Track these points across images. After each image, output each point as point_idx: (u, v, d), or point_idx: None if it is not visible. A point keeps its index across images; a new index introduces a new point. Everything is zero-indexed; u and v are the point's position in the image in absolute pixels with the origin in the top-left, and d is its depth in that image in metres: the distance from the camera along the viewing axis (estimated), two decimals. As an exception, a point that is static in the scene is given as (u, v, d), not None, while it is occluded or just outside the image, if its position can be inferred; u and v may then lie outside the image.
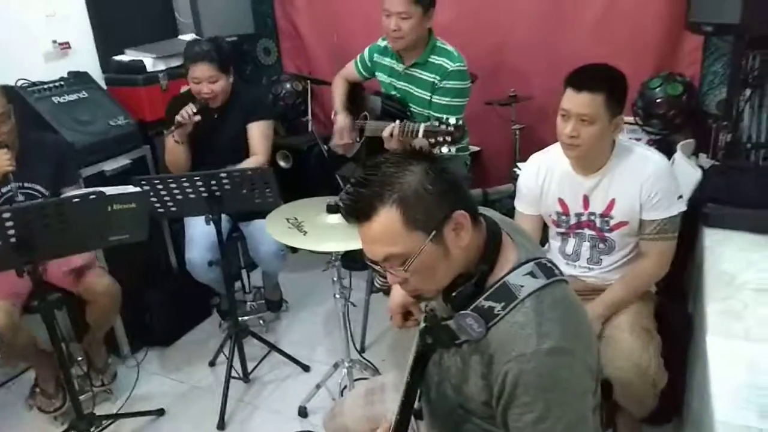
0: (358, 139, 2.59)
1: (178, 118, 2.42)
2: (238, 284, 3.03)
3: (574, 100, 1.65)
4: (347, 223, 1.11)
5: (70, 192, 2.28)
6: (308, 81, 3.37)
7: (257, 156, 2.61)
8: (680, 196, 1.77)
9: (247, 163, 2.58)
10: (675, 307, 2.08)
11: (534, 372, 1.01)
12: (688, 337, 2.00)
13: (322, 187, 3.19)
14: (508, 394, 1.04)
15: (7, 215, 1.75)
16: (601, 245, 1.85)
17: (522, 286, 1.07)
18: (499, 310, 1.06)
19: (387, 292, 2.96)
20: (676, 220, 1.76)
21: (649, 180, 1.72)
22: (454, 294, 1.11)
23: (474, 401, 1.14)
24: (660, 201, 1.72)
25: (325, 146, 3.21)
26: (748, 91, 2.46)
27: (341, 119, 2.58)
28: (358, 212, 1.07)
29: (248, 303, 3.01)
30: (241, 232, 2.72)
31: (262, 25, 3.65)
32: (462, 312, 1.09)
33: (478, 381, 1.10)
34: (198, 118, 2.44)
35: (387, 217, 1.04)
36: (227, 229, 2.60)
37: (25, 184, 2.23)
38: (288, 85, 3.45)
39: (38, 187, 2.28)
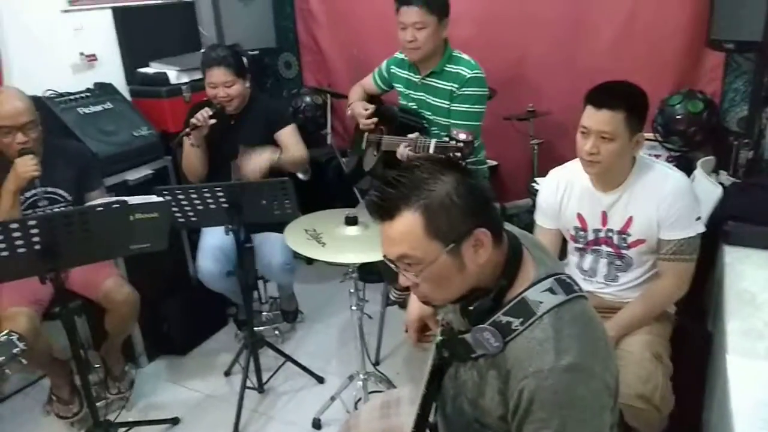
0: (375, 153, 2.61)
1: (192, 120, 2.47)
2: (254, 294, 3.05)
3: (595, 118, 1.66)
4: (371, 218, 1.12)
5: (94, 197, 2.34)
6: (328, 95, 3.40)
7: (298, 153, 2.66)
8: (699, 218, 1.75)
9: (293, 154, 2.63)
10: (694, 326, 2.06)
11: (551, 388, 1.01)
12: (707, 355, 1.97)
13: (339, 200, 3.21)
14: (524, 409, 1.03)
15: (32, 222, 1.79)
16: (618, 262, 1.84)
17: (541, 302, 1.07)
18: (517, 326, 1.07)
19: (402, 305, 2.96)
20: (695, 241, 1.74)
21: (668, 199, 1.70)
22: (471, 308, 1.11)
23: (490, 416, 1.13)
24: (677, 221, 1.70)
25: (344, 159, 3.23)
26: (769, 109, 2.44)
27: (359, 104, 2.64)
28: (382, 210, 1.08)
29: (264, 313, 3.02)
30: (252, 244, 2.75)
31: (284, 39, 3.70)
32: (479, 326, 1.09)
33: (495, 396, 1.10)
34: (213, 121, 2.48)
35: (409, 221, 1.05)
36: (242, 239, 2.62)
37: (49, 189, 2.28)
38: (308, 99, 3.49)
39: (61, 192, 2.33)
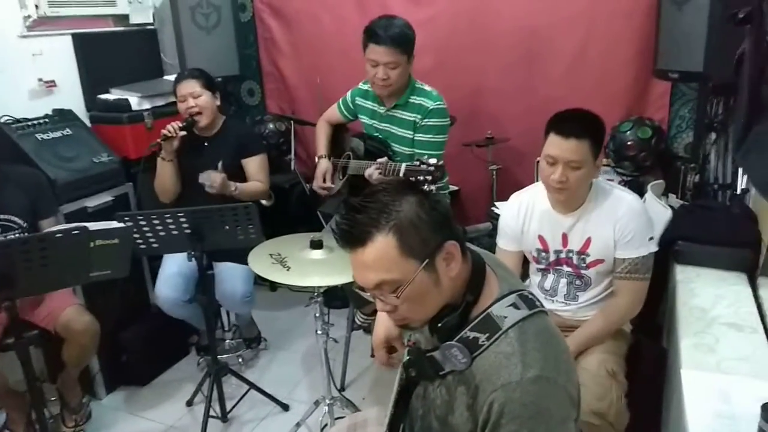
0: (341, 177, 2.64)
1: (163, 131, 2.49)
2: (216, 322, 3.01)
3: (562, 147, 1.71)
4: (340, 247, 1.12)
5: (47, 224, 2.29)
6: (292, 121, 3.43)
7: (260, 183, 2.72)
8: (651, 238, 1.82)
9: (251, 185, 2.68)
10: (650, 343, 2.13)
11: (519, 401, 1.03)
12: (663, 371, 2.04)
13: (303, 225, 3.21)
14: (493, 422, 1.06)
15: (-12, 250, 1.75)
16: (578, 282, 1.90)
17: (505, 317, 1.10)
18: (483, 341, 1.09)
19: (368, 330, 2.97)
20: (648, 260, 1.81)
21: (622, 220, 1.78)
22: (440, 325, 1.14)
23: (459, 432, 1.15)
24: (632, 240, 1.78)
25: (308, 185, 3.25)
26: (713, 135, 2.58)
27: (324, 163, 2.64)
28: (353, 238, 1.08)
29: (227, 341, 2.98)
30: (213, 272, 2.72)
31: (247, 67, 3.73)
32: (448, 343, 1.12)
33: (464, 412, 1.12)
34: (183, 133, 2.51)
35: (383, 244, 1.06)
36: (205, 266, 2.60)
37: (1, 216, 2.23)
38: (271, 125, 3.51)
39: (14, 218, 2.28)
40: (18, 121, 2.66)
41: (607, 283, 1.89)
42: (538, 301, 1.18)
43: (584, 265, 1.87)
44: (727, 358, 1.57)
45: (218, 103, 2.67)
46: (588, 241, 1.84)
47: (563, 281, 1.93)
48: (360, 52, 2.39)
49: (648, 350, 2.05)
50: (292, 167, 3.41)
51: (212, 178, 2.50)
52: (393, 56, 2.29)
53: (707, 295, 1.89)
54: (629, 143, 2.61)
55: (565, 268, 1.91)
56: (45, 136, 2.67)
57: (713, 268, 2.03)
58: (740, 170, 2.43)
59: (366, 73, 2.42)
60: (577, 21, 2.82)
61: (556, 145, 1.73)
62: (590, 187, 1.84)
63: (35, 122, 2.70)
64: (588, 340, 1.82)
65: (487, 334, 1.10)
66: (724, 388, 1.45)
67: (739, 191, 2.41)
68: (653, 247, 1.82)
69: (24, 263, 1.80)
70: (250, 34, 3.72)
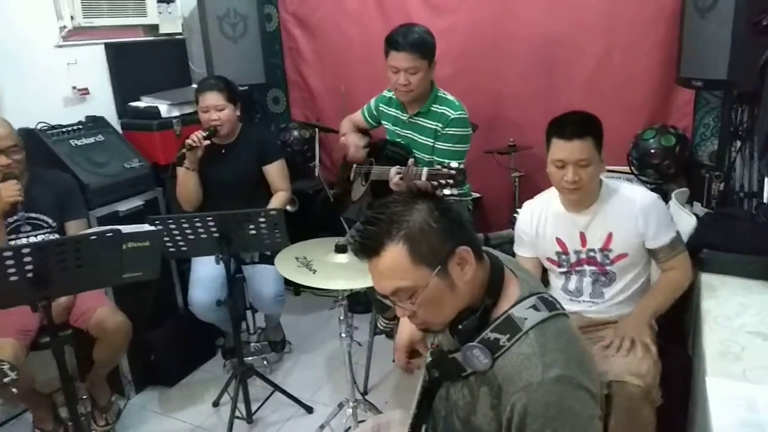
0: (363, 183, 2.68)
1: (187, 141, 2.55)
2: (242, 325, 3.06)
3: (568, 149, 1.78)
4: (358, 259, 1.18)
5: (73, 226, 2.37)
6: (316, 129, 3.48)
7: (283, 192, 2.82)
8: (671, 217, 1.92)
9: (276, 199, 2.78)
10: (675, 350, 2.12)
11: (542, 401, 1.05)
12: (688, 380, 2.03)
13: (326, 230, 3.25)
14: (517, 424, 1.08)
15: (26, 251, 1.79)
16: (603, 278, 1.94)
17: (525, 319, 1.13)
18: (504, 342, 1.12)
19: (390, 335, 2.98)
20: (679, 236, 1.91)
21: (642, 214, 1.84)
22: (460, 327, 1.16)
23: (482, 432, 1.18)
24: (659, 228, 1.85)
25: (331, 191, 3.29)
26: (738, 143, 2.56)
27: (351, 135, 2.70)
28: (367, 249, 1.14)
29: (252, 344, 3.03)
30: (243, 275, 2.78)
31: (272, 75, 3.79)
32: (469, 344, 1.14)
33: (488, 412, 1.14)
34: (207, 142, 2.57)
35: (394, 253, 1.11)
36: (232, 270, 2.65)
37: (32, 215, 2.32)
38: (296, 133, 3.58)
39: (44, 217, 2.36)
40: (53, 127, 2.75)
41: (632, 277, 1.93)
42: (559, 303, 1.20)
43: (608, 261, 1.91)
44: (754, 367, 1.56)
45: (239, 113, 2.72)
46: (609, 236, 1.88)
47: (587, 280, 1.96)
48: (383, 60, 2.44)
49: (673, 357, 2.04)
50: (316, 173, 3.45)
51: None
52: (412, 62, 2.33)
53: (732, 304, 1.88)
54: (653, 151, 2.60)
55: (588, 268, 1.94)
56: (79, 142, 2.76)
57: (738, 277, 2.02)
58: (766, 178, 2.41)
59: (389, 81, 2.46)
60: (600, 28, 2.83)
61: (561, 149, 1.80)
62: (600, 183, 1.89)
63: (69, 128, 2.79)
64: (656, 311, 1.87)
65: (508, 335, 1.12)
66: (750, 396, 1.44)
67: (765, 199, 2.39)
68: (676, 226, 1.91)
69: (59, 264, 1.86)
70: (275, 44, 3.79)
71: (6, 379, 1.54)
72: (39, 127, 2.71)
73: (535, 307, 1.15)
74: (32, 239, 2.32)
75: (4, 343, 2.13)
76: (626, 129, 2.72)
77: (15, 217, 2.27)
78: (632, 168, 2.67)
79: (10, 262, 1.78)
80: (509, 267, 1.24)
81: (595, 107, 2.81)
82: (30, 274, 1.82)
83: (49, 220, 2.37)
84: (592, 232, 1.91)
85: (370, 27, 3.34)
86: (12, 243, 2.24)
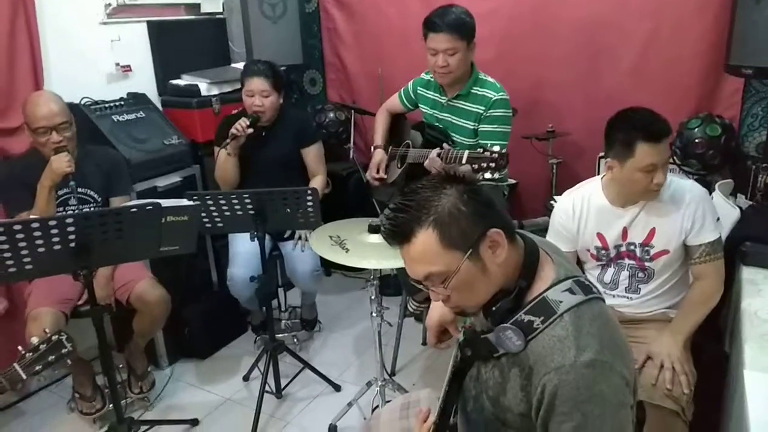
0: (399, 165, 2.68)
1: (232, 130, 2.57)
2: (274, 302, 3.10)
3: (659, 150, 1.68)
4: (389, 245, 1.18)
5: (119, 202, 2.42)
6: (352, 110, 3.49)
7: (320, 176, 2.86)
8: (718, 218, 1.83)
9: (315, 183, 2.81)
10: (711, 346, 2.08)
11: (573, 383, 1.05)
12: (723, 375, 1.99)
13: (359, 212, 3.26)
14: (547, 404, 1.07)
15: (70, 220, 1.85)
16: (641, 274, 1.89)
17: (561, 302, 1.12)
18: (538, 324, 1.11)
19: (419, 318, 3.00)
20: (721, 239, 1.83)
21: (690, 207, 1.78)
22: (494, 309, 1.16)
23: (511, 412, 1.17)
24: (704, 225, 1.78)
25: (365, 172, 3.30)
26: (788, 134, 2.48)
27: (379, 154, 2.70)
28: (398, 235, 1.14)
29: (283, 321, 3.07)
30: (280, 251, 2.82)
31: (310, 56, 3.81)
32: (502, 325, 1.14)
33: (518, 393, 1.14)
34: (251, 130, 2.58)
35: (425, 238, 1.11)
36: (268, 247, 2.69)
37: (80, 189, 2.37)
38: (332, 114, 3.59)
39: (92, 193, 2.42)
40: (96, 102, 2.82)
41: (669, 275, 1.88)
42: (595, 287, 1.19)
43: (648, 257, 1.85)
44: (794, 362, 1.53)
45: (281, 101, 2.73)
46: (652, 231, 1.82)
47: (624, 273, 1.91)
48: (422, 44, 2.42)
49: (708, 352, 2.00)
50: (351, 156, 3.47)
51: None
52: (450, 42, 2.31)
53: (774, 297, 1.83)
54: (697, 141, 2.53)
55: (627, 261, 1.90)
56: (120, 118, 2.82)
57: (781, 270, 1.97)
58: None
59: (427, 64, 2.44)
60: (646, 11, 2.75)
61: (652, 153, 1.68)
62: None
63: (112, 104, 2.86)
64: (692, 328, 1.80)
65: (542, 318, 1.11)
66: (789, 391, 1.41)
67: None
68: (720, 229, 1.84)
69: (101, 235, 1.91)
70: (314, 25, 3.79)
71: (63, 350, 1.60)
72: (83, 102, 2.78)
73: (570, 291, 1.13)
74: (78, 213, 2.39)
75: (43, 311, 2.21)
76: (670, 117, 2.59)
77: (65, 190, 2.32)
78: (675, 158, 2.61)
79: (54, 231, 1.83)
80: (545, 249, 1.23)
81: (638, 94, 2.79)
82: (72, 244, 1.87)
83: (96, 196, 2.43)
84: (635, 226, 1.84)
85: (410, 9, 3.31)
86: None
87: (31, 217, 2.13)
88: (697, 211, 1.78)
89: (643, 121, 1.70)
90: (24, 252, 1.81)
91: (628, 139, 1.70)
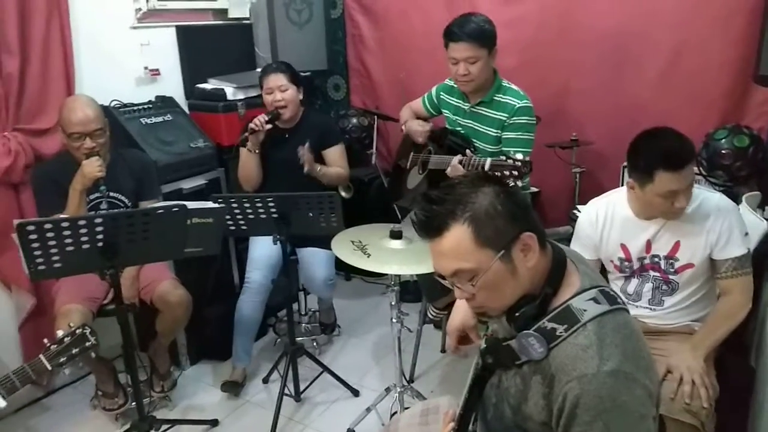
0: (420, 172, 2.68)
1: (251, 125, 2.61)
2: (294, 306, 3.12)
3: (681, 178, 1.65)
4: (419, 237, 1.17)
5: (148, 206, 2.45)
6: (375, 116, 3.51)
7: (341, 169, 2.85)
8: (746, 233, 1.79)
9: (334, 170, 2.81)
10: (736, 360, 2.04)
11: (595, 393, 1.04)
12: (750, 390, 1.95)
13: (380, 218, 3.28)
14: (568, 413, 1.07)
15: (98, 220, 1.89)
16: (665, 287, 1.86)
17: (585, 311, 1.11)
18: (561, 332, 1.10)
19: (438, 325, 3.00)
20: (749, 254, 1.78)
21: (716, 221, 1.75)
22: (517, 314, 1.15)
23: (532, 420, 1.17)
24: (730, 239, 1.75)
25: (387, 179, 3.32)
26: (819, 146, 2.43)
27: (413, 122, 2.70)
28: (430, 228, 1.13)
29: (303, 325, 3.09)
30: (297, 257, 2.84)
31: (334, 62, 3.84)
32: (525, 332, 1.13)
33: (539, 401, 1.14)
34: (269, 126, 2.62)
35: (458, 234, 1.10)
36: (288, 251, 2.71)
37: (111, 194, 2.41)
38: (355, 120, 3.61)
39: (122, 198, 2.46)
40: (125, 105, 2.87)
41: (694, 288, 1.84)
42: (620, 298, 1.18)
43: (673, 270, 1.83)
44: (823, 378, 1.50)
45: (301, 97, 2.77)
46: (677, 245, 1.80)
47: (648, 285, 1.89)
48: (445, 52, 2.43)
49: (734, 367, 1.97)
50: (373, 161, 3.49)
51: (304, 152, 2.63)
52: (471, 51, 2.32)
53: (803, 313, 1.80)
54: (724, 152, 2.49)
55: (651, 273, 1.87)
56: (148, 121, 2.88)
57: (810, 286, 1.93)
58: None
59: (449, 72, 2.45)
60: (674, 19, 2.72)
61: (673, 181, 1.65)
62: None
63: (140, 107, 2.91)
64: (715, 343, 1.77)
65: (566, 326, 1.11)
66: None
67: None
68: (749, 243, 1.79)
69: (128, 235, 1.94)
70: (339, 30, 3.83)
71: (87, 344, 1.63)
72: (112, 104, 2.83)
73: (595, 300, 1.12)
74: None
75: (72, 308, 2.25)
76: (697, 128, 2.60)
77: (96, 194, 2.35)
78: (701, 168, 2.57)
79: (83, 230, 1.87)
80: (571, 258, 1.22)
81: (664, 104, 2.76)
82: (100, 244, 1.91)
83: (126, 200, 2.46)
84: (660, 239, 1.82)
85: (435, 17, 3.31)
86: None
87: (61, 216, 2.18)
88: (724, 225, 1.74)
89: (665, 149, 1.67)
90: (53, 250, 1.85)
91: (647, 167, 1.67)
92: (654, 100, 2.78)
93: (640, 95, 2.84)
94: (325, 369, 2.70)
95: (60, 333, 1.62)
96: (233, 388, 2.69)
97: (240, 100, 3.13)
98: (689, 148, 1.68)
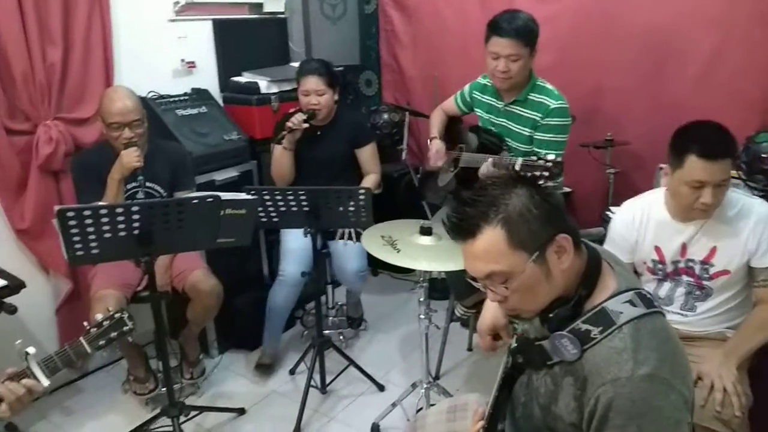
0: (452, 169, 2.67)
1: (288, 124, 2.63)
2: (322, 299, 3.14)
3: (711, 170, 1.61)
4: (452, 239, 1.16)
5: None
6: (406, 112, 3.50)
7: (373, 174, 2.89)
8: None
9: (368, 180, 2.85)
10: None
11: (628, 396, 1.03)
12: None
13: (408, 214, 3.27)
14: (600, 416, 1.06)
15: (135, 209, 1.93)
16: (698, 292, 1.82)
17: (621, 313, 1.09)
18: (596, 334, 1.09)
19: (466, 323, 2.99)
20: None
21: (756, 228, 1.70)
22: (551, 315, 1.15)
23: (562, 421, 1.16)
24: None
25: (417, 175, 3.32)
26: None
27: (437, 143, 2.67)
28: (463, 230, 1.12)
29: (330, 318, 3.11)
30: (328, 249, 2.86)
31: (367, 57, 3.85)
32: (558, 333, 1.12)
33: (571, 402, 1.13)
34: (306, 125, 2.64)
35: (491, 236, 1.09)
36: (318, 245, 2.73)
37: (147, 184, 2.45)
38: (386, 116, 3.61)
39: (158, 188, 2.50)
40: (162, 96, 2.92)
41: (729, 296, 1.80)
42: (657, 301, 1.16)
43: (707, 275, 1.78)
44: None
45: (336, 98, 2.78)
46: (713, 250, 1.76)
47: (681, 290, 1.85)
48: (479, 49, 2.40)
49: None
50: (403, 157, 3.49)
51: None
52: (515, 48, 2.29)
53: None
54: (764, 156, 2.42)
55: (685, 278, 1.83)
56: (184, 112, 2.92)
57: None
58: None
59: (486, 67, 2.43)
60: (715, 18, 2.66)
61: (703, 170, 1.61)
62: None
63: (176, 99, 2.95)
64: (748, 352, 1.72)
65: (601, 328, 1.09)
66: None
67: None
68: None
69: (163, 224, 1.98)
70: (372, 26, 3.83)
71: (125, 328, 1.67)
72: (149, 96, 2.88)
73: (631, 302, 1.11)
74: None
75: (107, 294, 2.30)
76: (737, 130, 2.50)
77: (134, 184, 2.39)
78: (740, 172, 2.51)
79: (121, 218, 1.91)
80: (607, 260, 1.21)
81: (703, 105, 2.70)
82: (136, 231, 1.95)
83: (162, 191, 2.51)
84: (695, 243, 1.78)
85: (469, 13, 3.31)
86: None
87: (100, 204, 2.23)
88: (765, 233, 1.69)
89: (703, 136, 1.64)
90: (92, 237, 1.90)
91: (680, 149, 1.65)
92: (693, 101, 2.73)
93: (678, 95, 2.79)
94: (352, 362, 2.72)
95: (99, 317, 1.65)
96: (266, 370, 2.80)
97: (273, 93, 3.16)
98: (728, 143, 1.64)
